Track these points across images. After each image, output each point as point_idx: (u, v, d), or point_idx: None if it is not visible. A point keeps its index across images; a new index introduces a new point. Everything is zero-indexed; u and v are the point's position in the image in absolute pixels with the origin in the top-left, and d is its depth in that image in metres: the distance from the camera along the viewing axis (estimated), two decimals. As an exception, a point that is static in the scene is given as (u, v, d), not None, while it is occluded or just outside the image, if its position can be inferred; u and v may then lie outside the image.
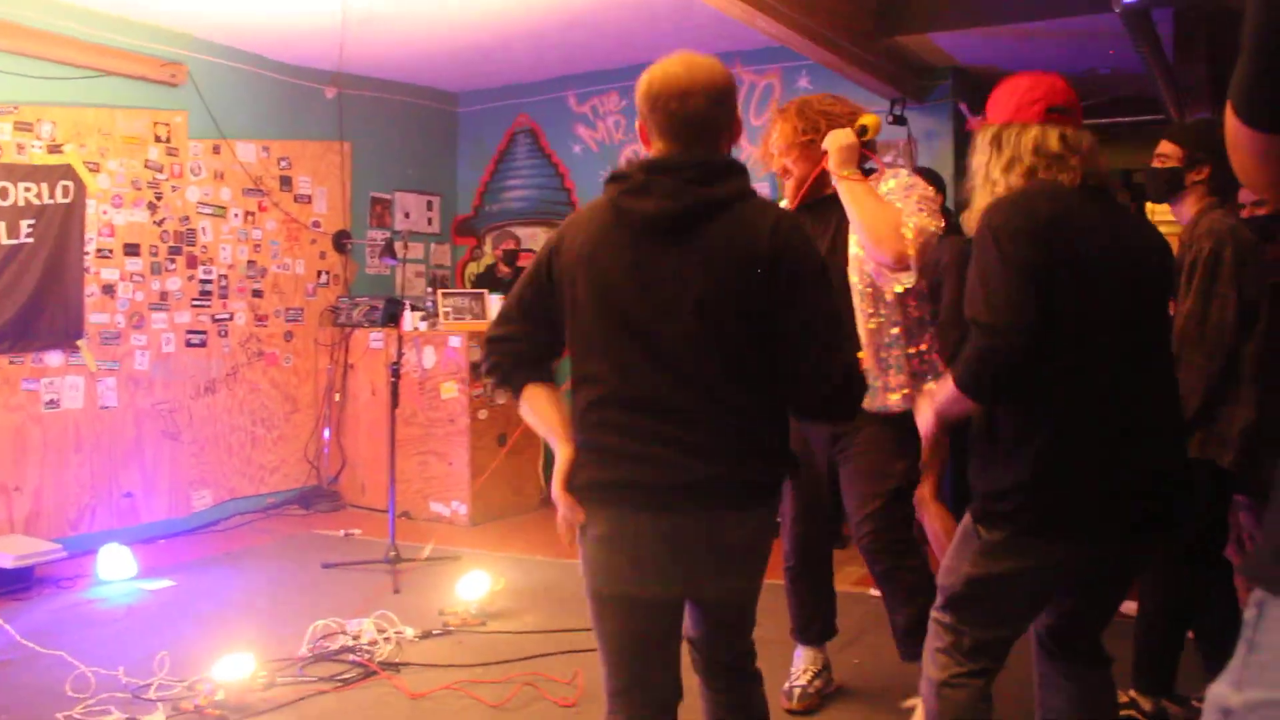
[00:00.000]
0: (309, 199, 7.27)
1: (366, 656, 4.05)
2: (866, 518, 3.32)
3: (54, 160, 5.77)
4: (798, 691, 3.61)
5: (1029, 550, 2.25)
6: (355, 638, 4.18)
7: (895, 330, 3.23)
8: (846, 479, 3.39)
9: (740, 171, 2.17)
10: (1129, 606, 4.18)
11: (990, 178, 2.35)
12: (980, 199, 2.36)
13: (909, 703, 3.43)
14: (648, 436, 2.09)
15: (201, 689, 3.66)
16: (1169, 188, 3.38)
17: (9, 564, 5.04)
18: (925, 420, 2.48)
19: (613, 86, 7.55)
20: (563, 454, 2.20)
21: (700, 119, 2.13)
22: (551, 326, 2.26)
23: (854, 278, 3.23)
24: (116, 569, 5.30)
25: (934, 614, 2.45)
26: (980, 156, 2.39)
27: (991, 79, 2.74)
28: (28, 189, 5.63)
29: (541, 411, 2.27)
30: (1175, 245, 3.15)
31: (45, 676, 3.89)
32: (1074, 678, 2.51)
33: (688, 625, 2.36)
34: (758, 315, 2.09)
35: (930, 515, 3.96)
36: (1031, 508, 2.22)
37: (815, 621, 3.70)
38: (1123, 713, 3.33)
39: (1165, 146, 3.41)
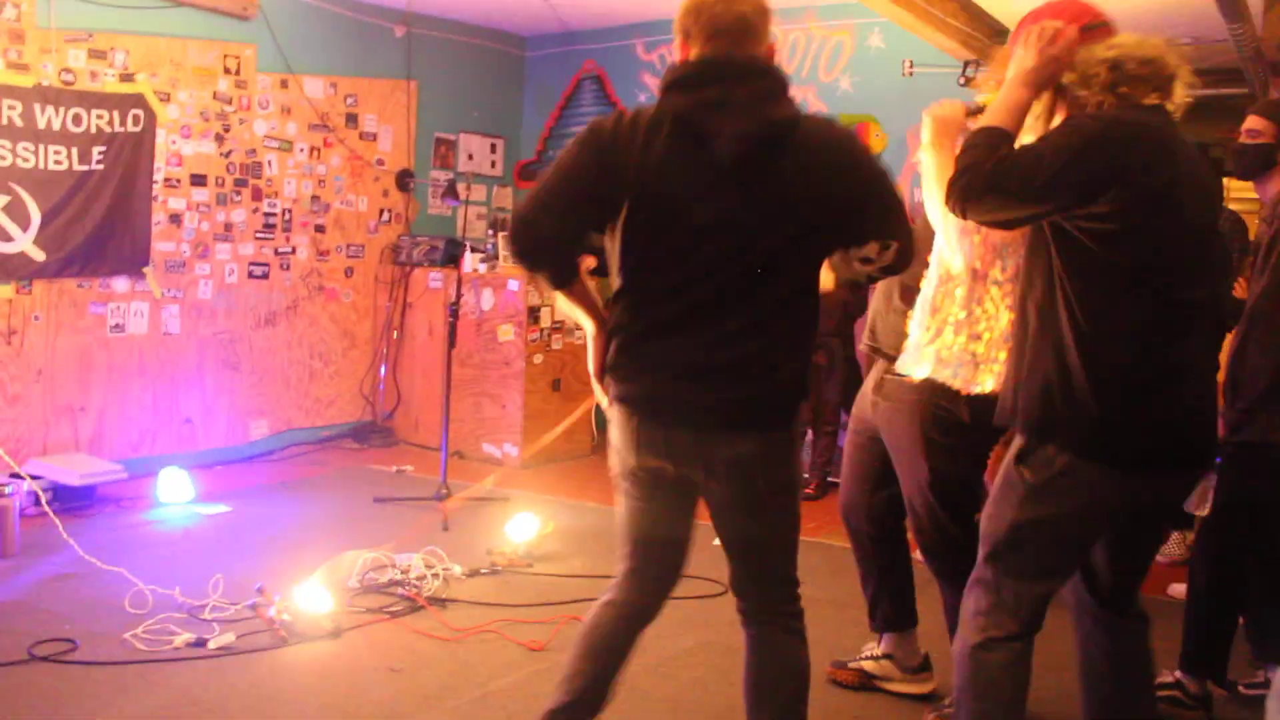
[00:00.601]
0: (374, 137, 7.30)
1: (414, 591, 4.13)
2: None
3: (126, 89, 5.84)
4: (846, 662, 3.51)
5: (1073, 489, 2.24)
6: (404, 572, 4.26)
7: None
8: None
9: (787, 82, 2.26)
10: (1178, 589, 4.16)
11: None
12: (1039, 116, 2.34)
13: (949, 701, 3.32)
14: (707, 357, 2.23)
15: (273, 606, 3.77)
16: (1260, 164, 3.30)
17: (74, 481, 5.19)
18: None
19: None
20: (598, 339, 2.37)
21: (745, 21, 2.22)
22: (587, 230, 2.32)
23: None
24: (175, 492, 5.43)
25: (975, 573, 2.41)
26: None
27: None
28: (100, 116, 5.71)
29: (586, 297, 2.38)
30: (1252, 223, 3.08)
31: (105, 592, 4.02)
32: (1112, 630, 2.51)
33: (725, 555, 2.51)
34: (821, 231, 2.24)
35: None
36: (1084, 433, 2.22)
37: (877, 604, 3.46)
38: (1167, 693, 3.31)
39: (1256, 122, 3.32)
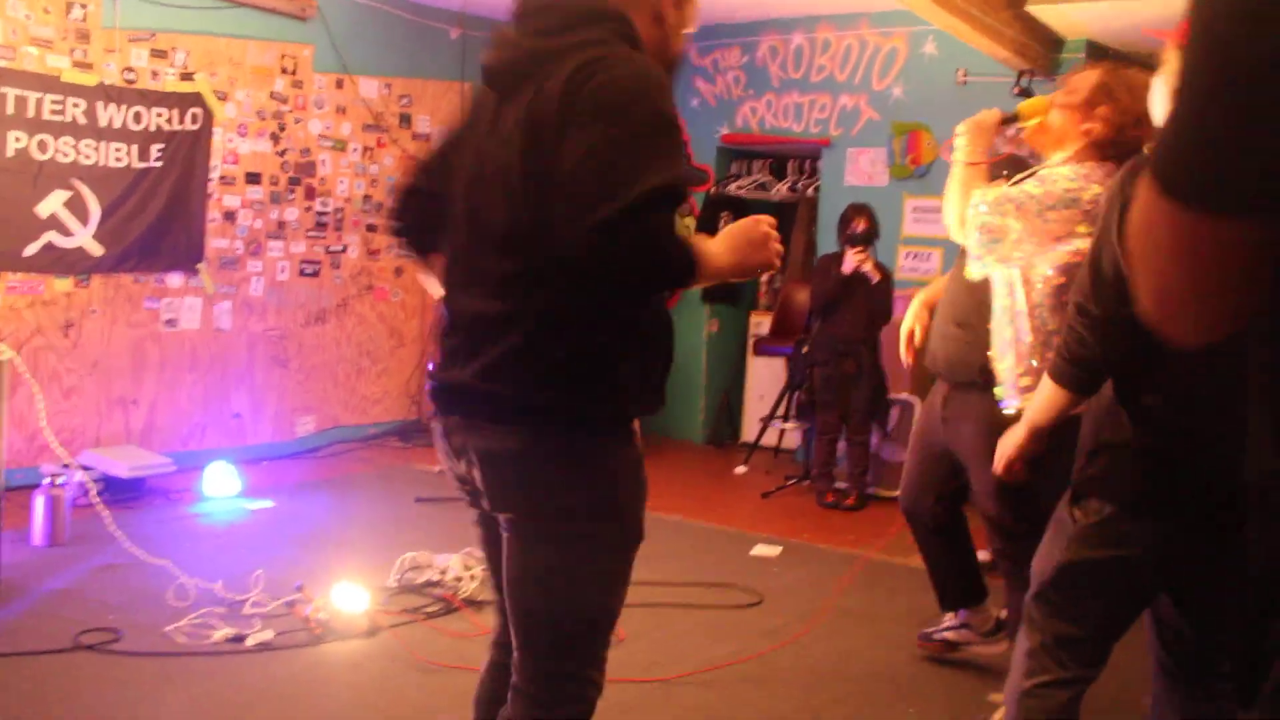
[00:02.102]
0: (427, 138, 7.36)
1: (450, 592, 4.16)
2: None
3: (185, 88, 5.95)
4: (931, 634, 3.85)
5: (1125, 536, 2.16)
6: (442, 572, 4.30)
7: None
8: None
9: (604, 20, 1.81)
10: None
11: None
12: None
13: (995, 697, 3.38)
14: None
15: (310, 604, 3.82)
16: None
17: (123, 473, 5.29)
18: None
19: (735, 41, 7.47)
20: None
21: None
22: (424, 183, 2.11)
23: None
24: (221, 486, 5.52)
25: (1026, 607, 2.34)
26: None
27: (1127, 54, 2.59)
28: (159, 114, 5.82)
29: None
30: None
31: (149, 583, 4.09)
32: (1188, 707, 2.31)
33: None
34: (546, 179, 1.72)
35: None
36: (1137, 478, 2.14)
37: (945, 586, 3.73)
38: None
39: None
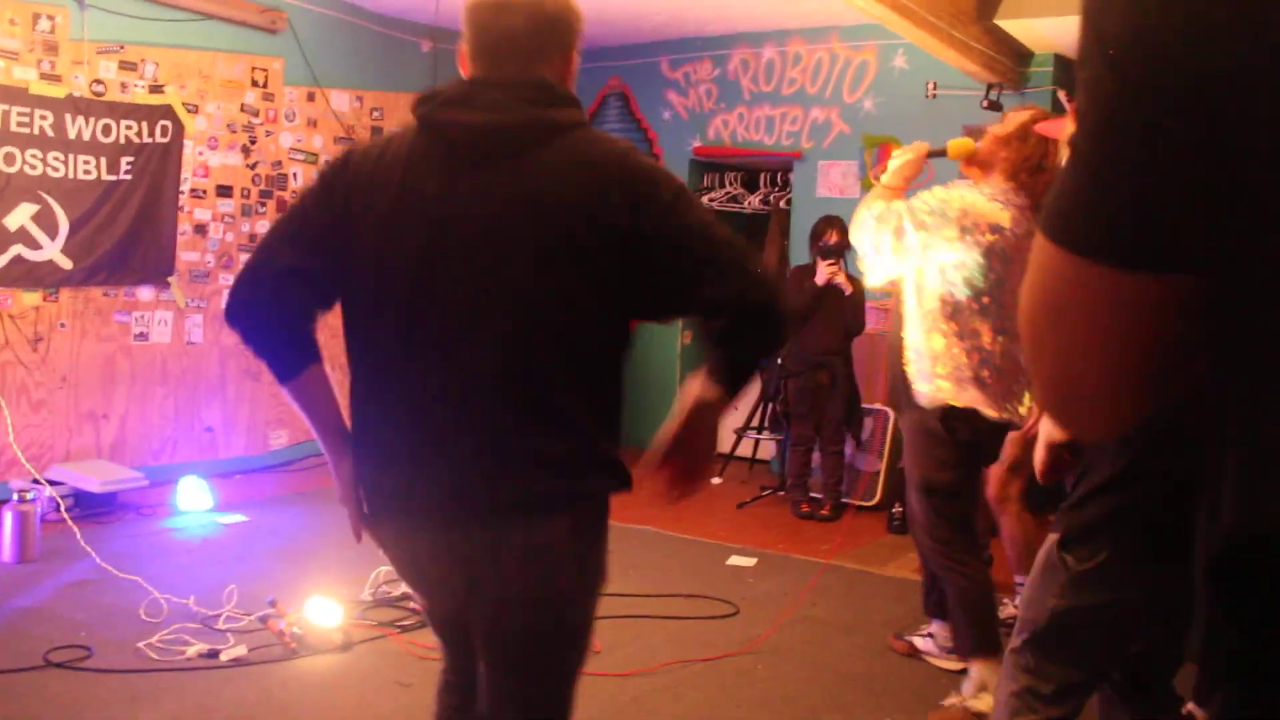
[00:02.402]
0: (398, 150, 7.35)
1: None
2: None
3: (155, 100, 5.92)
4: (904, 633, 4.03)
5: (1124, 579, 2.14)
6: (417, 586, 4.28)
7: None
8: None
9: (577, 104, 1.82)
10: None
11: None
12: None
13: (949, 701, 3.44)
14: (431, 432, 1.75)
15: (284, 619, 3.80)
16: None
17: (95, 488, 5.24)
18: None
19: (706, 54, 7.51)
20: (344, 462, 1.87)
21: (512, 38, 1.78)
22: (330, 261, 1.78)
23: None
24: (194, 501, 5.48)
25: (1011, 652, 2.31)
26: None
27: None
28: (129, 127, 5.78)
29: (327, 403, 1.86)
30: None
31: (122, 599, 4.05)
32: (1142, 714, 2.35)
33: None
34: (605, 260, 1.71)
35: (1010, 516, 4.04)
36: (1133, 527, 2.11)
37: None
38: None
39: None
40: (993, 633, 3.39)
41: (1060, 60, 6.28)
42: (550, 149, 1.73)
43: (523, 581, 1.75)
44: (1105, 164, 0.68)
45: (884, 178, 3.30)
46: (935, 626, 3.88)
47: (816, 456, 6.26)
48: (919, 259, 3.19)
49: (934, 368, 3.24)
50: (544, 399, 1.73)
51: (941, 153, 3.32)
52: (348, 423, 1.86)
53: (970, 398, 3.21)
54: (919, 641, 3.95)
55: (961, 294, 3.17)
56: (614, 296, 1.75)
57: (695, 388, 1.85)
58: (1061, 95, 6.18)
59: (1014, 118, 3.29)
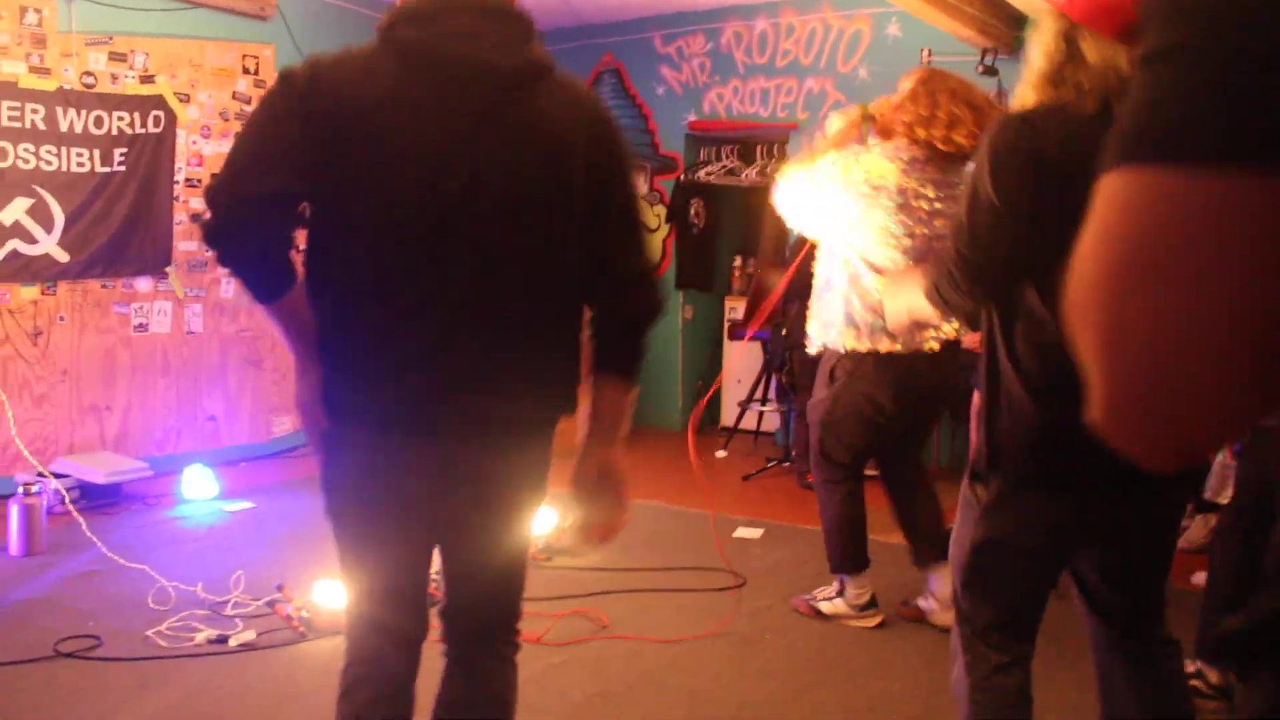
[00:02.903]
0: (393, 134, 7.33)
1: (432, 585, 4.14)
2: None
3: (146, 90, 5.90)
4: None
5: (1026, 502, 2.11)
6: (423, 567, 4.28)
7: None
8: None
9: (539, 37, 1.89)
10: (1201, 578, 4.12)
11: (1048, 77, 2.01)
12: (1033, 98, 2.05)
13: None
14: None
15: (291, 604, 3.82)
16: None
17: (100, 480, 5.25)
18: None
19: (699, 28, 7.47)
20: (313, 373, 1.87)
21: None
22: (309, 186, 1.76)
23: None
24: (199, 489, 5.49)
25: (954, 604, 2.29)
26: (1041, 47, 2.01)
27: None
28: (121, 118, 5.76)
29: (303, 320, 1.84)
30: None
31: (129, 588, 4.06)
32: (1135, 662, 2.30)
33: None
34: (580, 201, 1.85)
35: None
36: (1023, 460, 2.08)
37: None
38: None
39: None
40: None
41: (1055, 22, 6.23)
42: (542, 88, 1.82)
43: (514, 481, 1.97)
44: (1229, 56, 0.57)
45: (822, 142, 3.55)
46: (933, 582, 3.95)
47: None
48: (837, 216, 3.57)
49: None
50: (555, 330, 1.90)
51: (873, 116, 3.66)
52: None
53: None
54: (922, 603, 4.01)
55: (877, 247, 3.52)
56: (587, 234, 1.88)
57: (606, 404, 1.98)
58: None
59: (903, 84, 3.63)
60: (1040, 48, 2.02)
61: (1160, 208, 0.58)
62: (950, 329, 3.60)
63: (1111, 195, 0.60)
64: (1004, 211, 1.94)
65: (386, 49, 1.79)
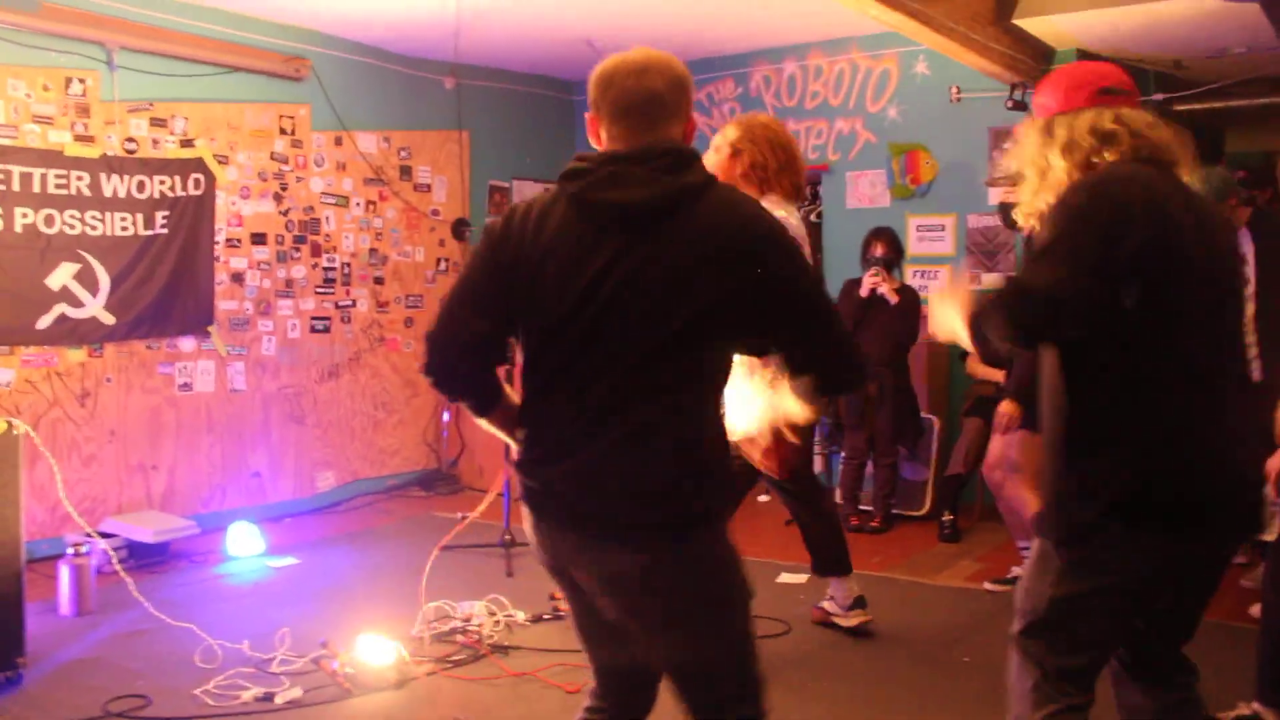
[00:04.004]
0: (428, 188, 7.42)
1: (475, 639, 4.14)
2: None
3: (186, 154, 6.02)
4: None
5: (1113, 564, 2.13)
6: (466, 620, 4.29)
7: None
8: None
9: (699, 158, 2.07)
10: (1256, 609, 4.03)
11: (1045, 164, 2.23)
12: (1031, 190, 2.25)
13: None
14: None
15: (337, 659, 3.84)
16: None
17: (148, 539, 5.31)
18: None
19: (728, 73, 7.53)
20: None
21: (657, 98, 2.03)
22: (507, 323, 2.10)
23: None
24: (244, 546, 5.53)
25: (1018, 642, 2.29)
26: (1029, 147, 2.26)
27: (1117, 63, 2.64)
28: (162, 182, 5.89)
29: (512, 419, 2.16)
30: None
31: (176, 647, 4.09)
32: (1155, 697, 2.33)
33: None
34: (741, 308, 1.97)
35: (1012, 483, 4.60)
36: (1127, 508, 2.10)
37: None
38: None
39: None
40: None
41: (1084, 56, 6.22)
42: (687, 212, 1.97)
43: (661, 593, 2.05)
44: None
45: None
46: (833, 586, 4.28)
47: (870, 468, 6.22)
48: None
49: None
50: (673, 434, 1.98)
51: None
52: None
53: None
54: (826, 604, 4.32)
55: None
56: (729, 343, 2.04)
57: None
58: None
59: (724, 135, 3.87)
60: (1030, 154, 2.26)
61: None
62: None
63: None
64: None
65: (557, 196, 2.06)
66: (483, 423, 2.17)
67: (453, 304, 2.09)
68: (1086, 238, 2.04)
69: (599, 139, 2.10)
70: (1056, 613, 2.19)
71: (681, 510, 1.97)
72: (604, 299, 1.95)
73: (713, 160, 3.76)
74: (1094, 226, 2.04)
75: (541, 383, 2.06)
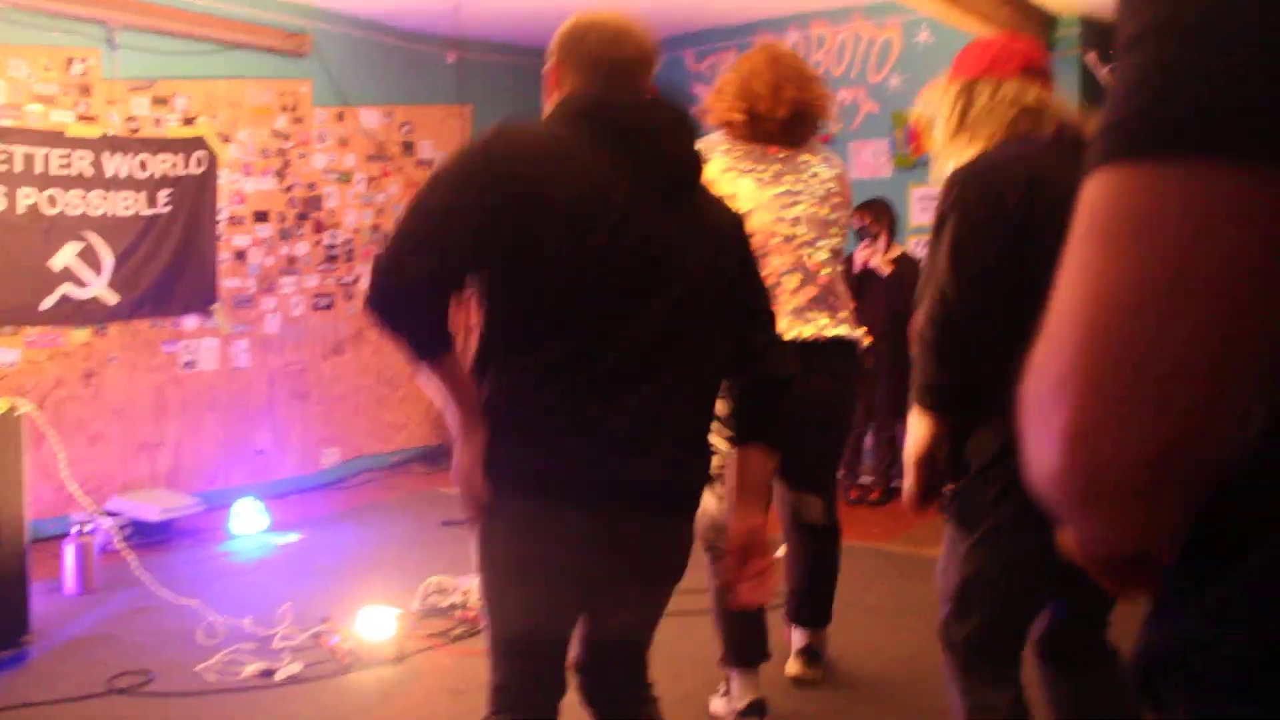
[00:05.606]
0: (431, 163, 7.42)
1: (474, 613, 4.18)
2: None
3: (188, 132, 6.03)
4: None
5: (1009, 545, 2.11)
6: (465, 594, 4.32)
7: None
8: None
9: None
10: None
11: (956, 124, 2.23)
12: (949, 154, 2.25)
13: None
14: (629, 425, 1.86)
15: (337, 635, 3.88)
16: None
17: (154, 517, 5.36)
18: None
19: (731, 44, 7.48)
20: (477, 439, 1.86)
21: (639, 58, 1.95)
22: (467, 269, 1.82)
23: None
24: (249, 523, 5.58)
25: (940, 631, 2.29)
26: (945, 109, 2.25)
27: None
28: (164, 161, 5.90)
29: (464, 383, 1.86)
30: None
31: (180, 624, 4.14)
32: (1074, 680, 2.33)
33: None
34: (731, 288, 2.00)
35: None
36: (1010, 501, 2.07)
37: None
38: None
39: None
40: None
41: (1087, 22, 6.16)
42: (699, 191, 1.99)
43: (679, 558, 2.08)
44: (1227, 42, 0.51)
45: None
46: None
47: (869, 441, 6.23)
48: None
49: None
50: (709, 410, 2.01)
51: None
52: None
53: None
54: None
55: None
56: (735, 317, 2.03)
57: (753, 473, 2.08)
58: (1090, 59, 6.08)
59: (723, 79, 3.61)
60: (943, 109, 2.26)
61: (1129, 209, 0.53)
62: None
63: (1098, 209, 0.55)
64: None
65: (578, 129, 1.85)
66: (428, 375, 1.83)
67: (421, 231, 1.76)
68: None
69: (557, 89, 1.97)
70: (963, 594, 2.20)
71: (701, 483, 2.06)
72: (661, 253, 1.86)
73: None
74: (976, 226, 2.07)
75: (571, 350, 1.82)
